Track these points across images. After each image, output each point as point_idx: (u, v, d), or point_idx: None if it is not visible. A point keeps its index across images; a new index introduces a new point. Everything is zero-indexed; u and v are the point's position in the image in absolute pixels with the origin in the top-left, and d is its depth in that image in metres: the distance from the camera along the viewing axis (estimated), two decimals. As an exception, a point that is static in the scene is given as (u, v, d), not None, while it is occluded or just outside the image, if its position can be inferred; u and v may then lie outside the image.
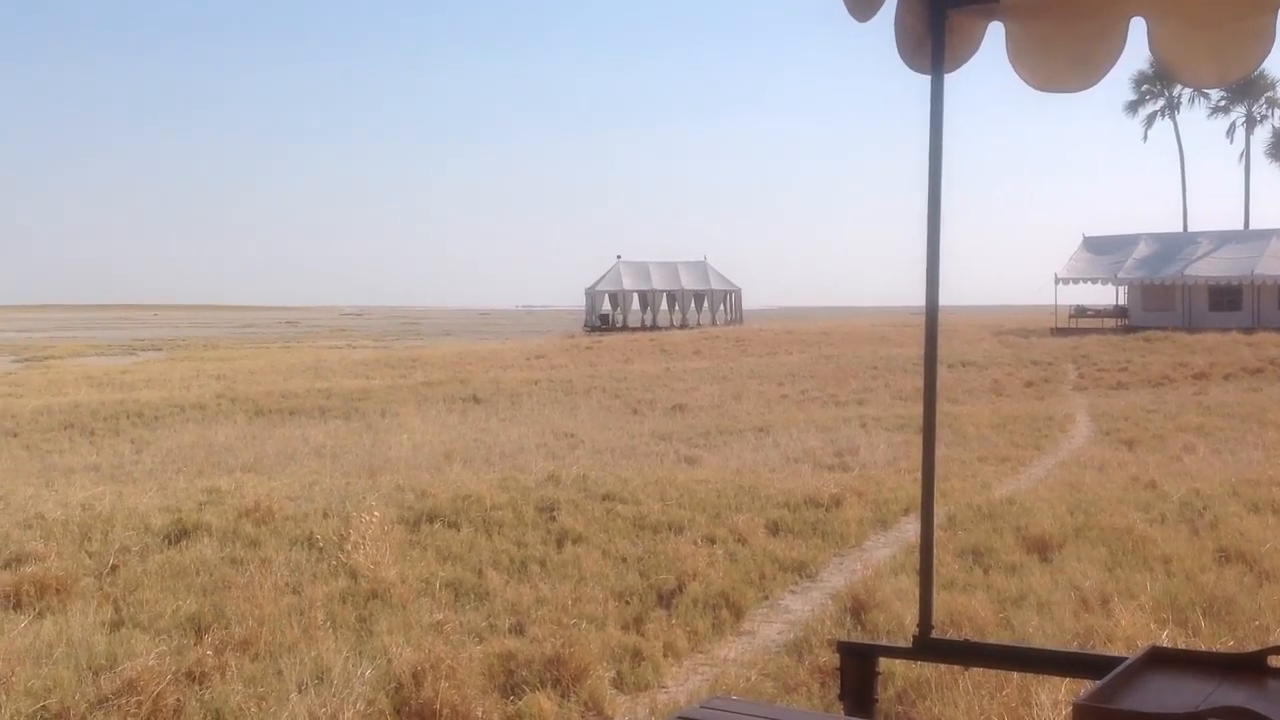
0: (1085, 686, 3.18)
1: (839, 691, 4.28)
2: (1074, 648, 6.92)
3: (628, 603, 8.64)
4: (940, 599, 7.75)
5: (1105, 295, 64.44)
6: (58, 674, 6.91)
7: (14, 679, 6.82)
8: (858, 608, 8.36)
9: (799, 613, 8.76)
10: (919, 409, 20.01)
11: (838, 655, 4.31)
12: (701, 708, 4.08)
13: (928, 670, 6.48)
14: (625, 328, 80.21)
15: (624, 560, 9.94)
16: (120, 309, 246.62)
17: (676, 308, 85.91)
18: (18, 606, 8.56)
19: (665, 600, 8.76)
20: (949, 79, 3.95)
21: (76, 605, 8.56)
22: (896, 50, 3.96)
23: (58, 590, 8.84)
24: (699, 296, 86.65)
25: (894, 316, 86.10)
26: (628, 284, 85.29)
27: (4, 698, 6.54)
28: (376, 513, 10.52)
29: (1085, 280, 62.42)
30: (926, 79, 3.96)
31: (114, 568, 9.63)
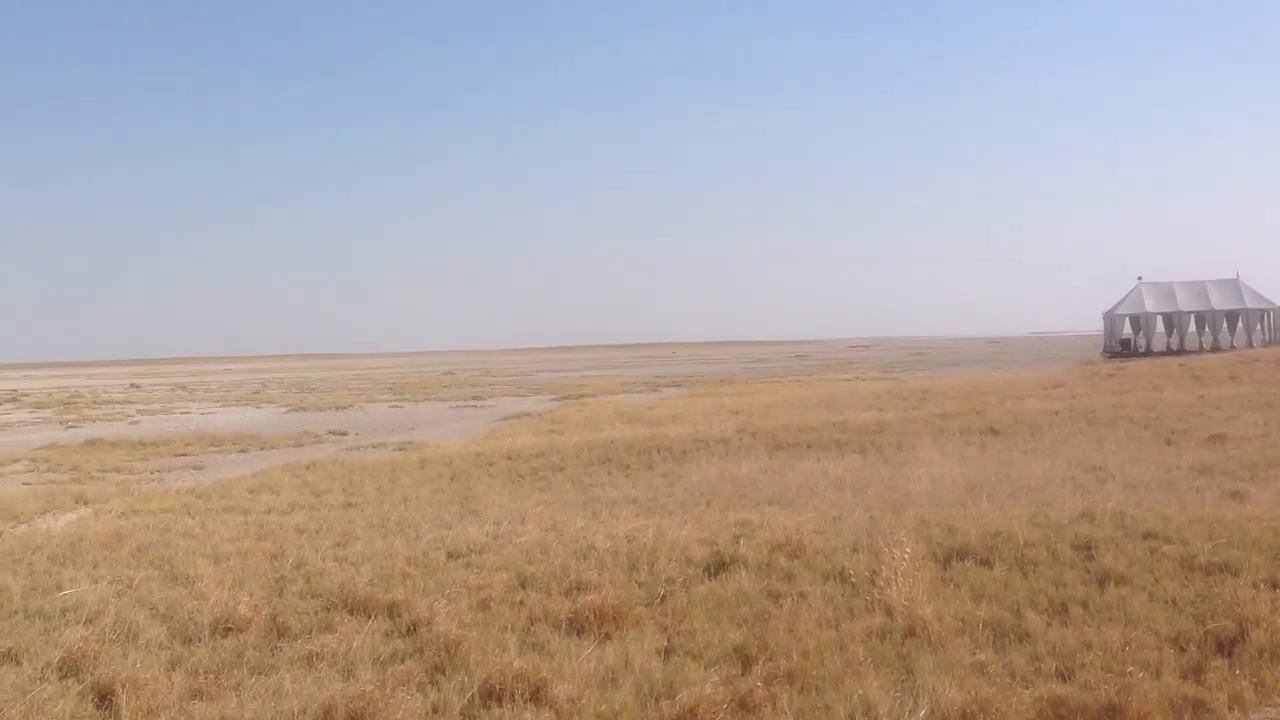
0: None
1: None
2: None
3: (1183, 649, 8.12)
4: None
5: None
6: (623, 699, 7.43)
7: (584, 702, 7.39)
8: None
9: (1387, 669, 7.86)
10: None
11: None
12: None
13: None
14: (1149, 353, 76.03)
15: (1174, 603, 9.35)
16: (642, 348, 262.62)
17: (1206, 329, 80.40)
18: (580, 632, 9.29)
19: (1225, 648, 8.16)
20: None
21: (632, 633, 9.18)
22: None
23: (614, 618, 9.52)
24: (1231, 316, 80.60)
25: None
26: (1150, 306, 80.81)
27: None
28: (908, 549, 10.51)
29: None
30: None
31: (663, 597, 10.22)
